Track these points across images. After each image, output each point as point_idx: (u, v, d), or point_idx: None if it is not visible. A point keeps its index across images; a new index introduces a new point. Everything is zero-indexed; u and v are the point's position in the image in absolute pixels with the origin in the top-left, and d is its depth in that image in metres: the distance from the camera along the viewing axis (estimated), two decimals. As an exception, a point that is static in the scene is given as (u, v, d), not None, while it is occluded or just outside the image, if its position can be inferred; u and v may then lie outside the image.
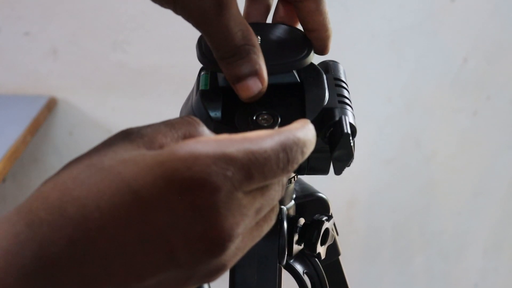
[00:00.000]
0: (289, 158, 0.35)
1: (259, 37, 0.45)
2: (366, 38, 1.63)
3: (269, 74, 0.43)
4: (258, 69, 0.42)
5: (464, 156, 1.81)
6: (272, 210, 0.37)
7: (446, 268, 1.93)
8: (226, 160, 0.33)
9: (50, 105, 1.54)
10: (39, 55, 1.53)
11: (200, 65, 0.47)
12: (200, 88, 0.45)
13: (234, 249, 0.34)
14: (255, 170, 0.34)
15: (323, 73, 0.47)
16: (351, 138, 0.43)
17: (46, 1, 1.50)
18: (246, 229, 0.35)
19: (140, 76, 1.58)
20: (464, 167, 1.83)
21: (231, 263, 0.35)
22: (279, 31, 0.48)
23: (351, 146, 0.43)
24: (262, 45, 0.44)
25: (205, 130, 0.37)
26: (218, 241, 0.33)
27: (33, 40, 1.52)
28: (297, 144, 0.35)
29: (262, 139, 0.35)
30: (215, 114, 0.44)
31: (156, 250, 0.32)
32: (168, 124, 0.37)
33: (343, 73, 0.50)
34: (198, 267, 0.33)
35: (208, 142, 0.34)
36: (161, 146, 0.35)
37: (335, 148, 0.43)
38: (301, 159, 0.36)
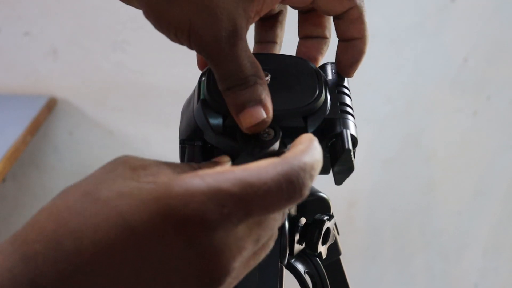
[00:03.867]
0: (295, 187, 0.34)
1: (269, 75, 0.44)
2: (366, 38, 1.63)
3: (274, 120, 0.42)
4: (263, 99, 0.41)
5: (464, 156, 1.81)
6: (270, 238, 0.37)
7: (446, 268, 1.93)
8: (222, 196, 0.32)
9: (50, 105, 1.54)
10: (39, 55, 1.53)
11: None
12: (201, 97, 0.44)
13: (230, 279, 0.34)
14: (253, 204, 0.33)
15: (325, 78, 0.47)
16: (352, 153, 0.43)
17: (46, 1, 1.50)
18: (243, 261, 0.35)
19: (140, 76, 1.58)
20: (464, 167, 1.83)
21: None
22: (291, 65, 0.47)
23: (352, 161, 0.43)
24: (271, 82, 0.44)
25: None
26: (215, 276, 0.33)
27: (33, 40, 1.52)
28: (304, 170, 0.34)
29: (263, 170, 0.33)
30: (217, 124, 0.43)
31: (151, 286, 0.32)
32: (171, 166, 0.36)
33: (346, 78, 0.49)
34: None
35: (204, 176, 0.33)
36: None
37: (336, 163, 0.43)
38: (310, 183, 0.35)
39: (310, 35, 0.50)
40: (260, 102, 0.41)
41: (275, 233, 0.37)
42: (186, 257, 0.32)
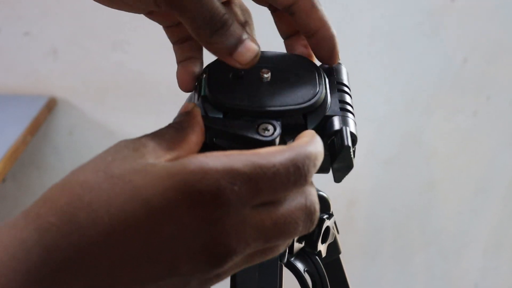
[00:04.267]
0: (301, 172, 0.35)
1: (269, 72, 0.45)
2: (366, 37, 1.63)
3: (274, 117, 0.42)
4: (248, 32, 0.42)
5: (464, 156, 1.81)
6: (283, 243, 0.37)
7: (446, 268, 1.93)
8: (233, 174, 0.34)
9: (50, 105, 1.54)
10: (39, 55, 1.54)
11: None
12: (202, 94, 0.44)
13: (232, 264, 0.35)
14: (263, 184, 0.34)
15: (325, 76, 0.47)
16: (351, 150, 0.43)
17: (46, 1, 1.50)
18: (249, 252, 0.35)
19: (139, 76, 1.58)
20: (464, 167, 1.83)
21: (227, 276, 0.36)
22: (291, 63, 0.47)
23: (351, 159, 0.43)
24: (271, 79, 0.44)
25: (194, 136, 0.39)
26: (219, 254, 0.33)
27: (33, 40, 1.52)
28: (309, 158, 0.36)
29: (272, 155, 0.35)
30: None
31: (161, 259, 0.33)
32: (159, 135, 0.38)
33: (346, 76, 0.49)
34: (197, 275, 0.34)
35: (218, 156, 0.34)
36: (166, 161, 0.36)
37: (335, 160, 0.43)
38: (314, 171, 0.37)
39: (290, 33, 0.50)
40: (248, 36, 0.42)
41: (290, 240, 0.38)
42: (195, 232, 0.33)
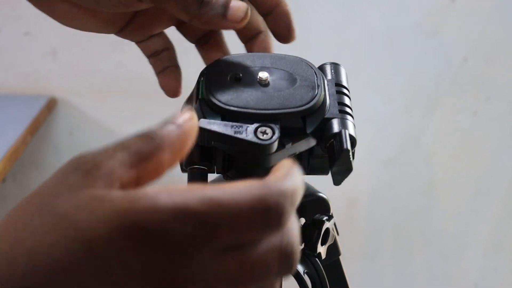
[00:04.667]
0: (271, 214, 0.31)
1: (268, 75, 0.45)
2: (366, 37, 1.63)
3: (272, 120, 0.42)
4: None
5: (464, 156, 1.81)
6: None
7: (446, 268, 1.93)
8: (186, 214, 0.30)
9: (50, 105, 1.54)
10: (39, 55, 1.53)
11: (200, 68, 0.47)
12: (200, 97, 0.44)
13: None
14: (222, 226, 0.30)
15: (324, 78, 0.47)
16: (350, 153, 0.43)
17: (46, 1, 1.50)
18: None
19: (139, 76, 1.58)
20: (464, 167, 1.83)
21: None
22: (290, 65, 0.47)
23: (350, 162, 0.43)
24: (270, 82, 0.44)
25: (161, 146, 0.33)
26: None
27: (33, 40, 1.52)
28: (285, 196, 0.31)
29: (237, 192, 0.31)
30: None
31: None
32: (124, 149, 0.33)
33: (345, 77, 0.48)
34: None
35: (171, 193, 0.30)
36: (121, 184, 0.32)
37: (334, 163, 0.43)
38: (292, 210, 0.32)
39: (249, 35, 0.51)
40: None
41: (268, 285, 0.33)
42: (143, 277, 0.30)
